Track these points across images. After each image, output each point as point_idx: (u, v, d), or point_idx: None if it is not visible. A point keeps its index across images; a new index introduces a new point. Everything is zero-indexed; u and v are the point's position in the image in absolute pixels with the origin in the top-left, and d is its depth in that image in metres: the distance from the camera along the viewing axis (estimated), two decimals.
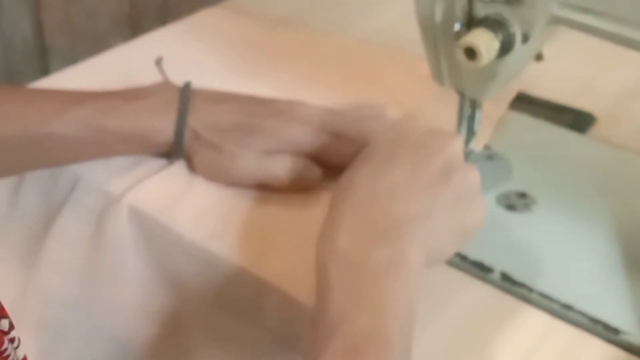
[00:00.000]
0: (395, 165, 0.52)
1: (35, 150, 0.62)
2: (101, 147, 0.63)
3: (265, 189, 0.63)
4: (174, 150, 0.64)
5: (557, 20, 0.56)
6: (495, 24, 0.56)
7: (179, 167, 0.65)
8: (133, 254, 0.63)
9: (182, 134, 0.62)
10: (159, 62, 0.70)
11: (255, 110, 0.64)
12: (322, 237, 0.51)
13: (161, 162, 0.66)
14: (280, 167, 0.62)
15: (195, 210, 0.62)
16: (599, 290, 0.56)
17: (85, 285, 0.65)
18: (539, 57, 0.61)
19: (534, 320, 0.55)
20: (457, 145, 0.55)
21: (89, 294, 0.65)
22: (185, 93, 0.64)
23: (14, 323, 0.45)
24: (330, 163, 0.63)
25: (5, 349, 0.42)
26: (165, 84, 0.66)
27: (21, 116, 0.61)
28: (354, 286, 0.47)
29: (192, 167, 0.65)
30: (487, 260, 0.58)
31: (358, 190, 0.52)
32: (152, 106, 0.63)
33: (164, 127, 0.62)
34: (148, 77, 0.69)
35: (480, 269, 0.58)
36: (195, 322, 0.61)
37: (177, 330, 0.63)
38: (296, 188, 0.62)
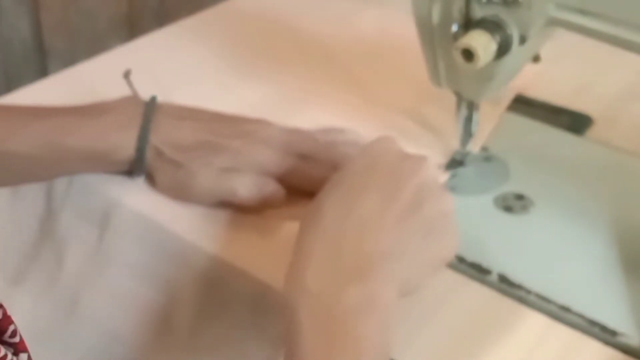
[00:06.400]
0: (366, 197, 0.50)
1: None
2: (61, 165, 0.62)
3: (229, 207, 0.61)
4: (135, 168, 0.62)
5: (554, 22, 0.56)
6: (492, 26, 0.56)
7: None
8: (127, 251, 0.63)
9: (143, 151, 0.61)
10: (127, 75, 0.68)
11: (220, 129, 0.62)
12: (290, 275, 0.48)
13: None
14: (240, 184, 0.60)
15: (188, 209, 0.62)
16: (597, 292, 0.56)
17: (79, 282, 0.65)
18: (536, 58, 0.62)
19: (532, 322, 0.55)
20: (429, 169, 0.53)
21: (83, 290, 0.65)
22: (150, 108, 0.62)
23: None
24: (298, 186, 0.61)
25: None
26: (129, 99, 0.64)
27: None
28: (326, 331, 0.45)
29: (153, 184, 0.63)
30: (485, 262, 0.58)
31: (327, 223, 0.49)
32: (113, 123, 0.61)
33: (125, 144, 0.61)
34: (146, 78, 0.69)
35: (477, 271, 0.58)
36: (186, 317, 0.61)
37: (167, 325, 0.62)
38: (257, 205, 0.60)
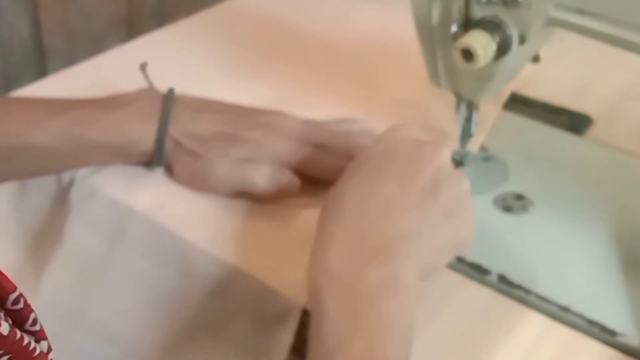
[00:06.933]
0: (384, 181, 0.51)
1: (14, 162, 0.61)
2: (82, 157, 0.63)
3: (247, 197, 0.62)
4: (154, 159, 0.63)
5: (553, 22, 0.56)
6: (492, 26, 0.56)
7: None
8: (137, 255, 0.63)
9: (163, 142, 0.61)
10: (143, 67, 0.69)
11: (238, 121, 0.63)
12: (314, 257, 0.50)
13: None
14: (258, 174, 0.61)
15: (195, 214, 0.62)
16: (596, 292, 0.56)
17: (87, 288, 0.65)
18: (535, 58, 0.62)
19: (531, 322, 0.55)
20: (445, 154, 0.54)
21: (91, 295, 0.65)
22: (168, 100, 0.63)
23: None
24: (314, 175, 0.62)
25: None
26: (148, 91, 0.65)
27: None
28: (350, 309, 0.46)
29: (172, 175, 0.64)
30: (485, 262, 0.58)
31: (347, 208, 0.51)
32: (133, 115, 0.62)
33: (145, 136, 0.61)
34: (144, 78, 0.69)
35: (477, 271, 0.58)
36: (194, 296, 0.62)
37: (176, 305, 0.63)
38: (274, 195, 0.61)
